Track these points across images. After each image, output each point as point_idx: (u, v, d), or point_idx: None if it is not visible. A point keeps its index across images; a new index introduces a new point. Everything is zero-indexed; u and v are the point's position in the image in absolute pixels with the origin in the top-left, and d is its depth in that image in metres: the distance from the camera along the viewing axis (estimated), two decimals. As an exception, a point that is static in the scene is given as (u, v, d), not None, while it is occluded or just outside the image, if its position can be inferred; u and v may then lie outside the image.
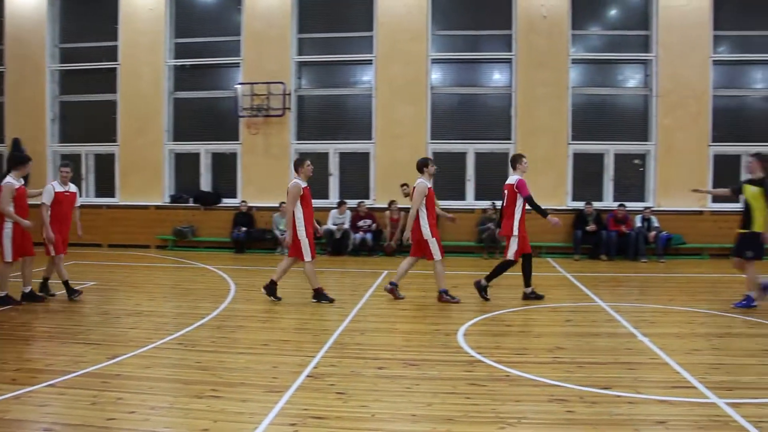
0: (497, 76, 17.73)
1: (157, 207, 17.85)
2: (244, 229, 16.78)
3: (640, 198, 16.82)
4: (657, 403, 5.31)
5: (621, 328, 8.07)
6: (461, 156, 17.17)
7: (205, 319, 8.41)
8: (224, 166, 18.06)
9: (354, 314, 8.89)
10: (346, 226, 16.36)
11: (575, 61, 17.10)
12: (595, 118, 17.18)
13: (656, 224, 15.82)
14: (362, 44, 17.51)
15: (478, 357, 6.68)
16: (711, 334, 7.86)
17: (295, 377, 5.88)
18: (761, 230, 9.01)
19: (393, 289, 10.02)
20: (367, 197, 17.20)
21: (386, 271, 13.05)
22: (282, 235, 16.29)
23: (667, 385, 5.80)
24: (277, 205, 16.30)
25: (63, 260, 9.95)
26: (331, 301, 9.60)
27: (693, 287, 10.75)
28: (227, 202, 17.73)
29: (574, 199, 16.83)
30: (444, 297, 9.74)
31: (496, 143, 17.15)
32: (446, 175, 16.50)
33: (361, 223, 16.51)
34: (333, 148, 17.51)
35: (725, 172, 16.39)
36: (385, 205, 16.53)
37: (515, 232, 9.78)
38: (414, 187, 9.76)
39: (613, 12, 17.64)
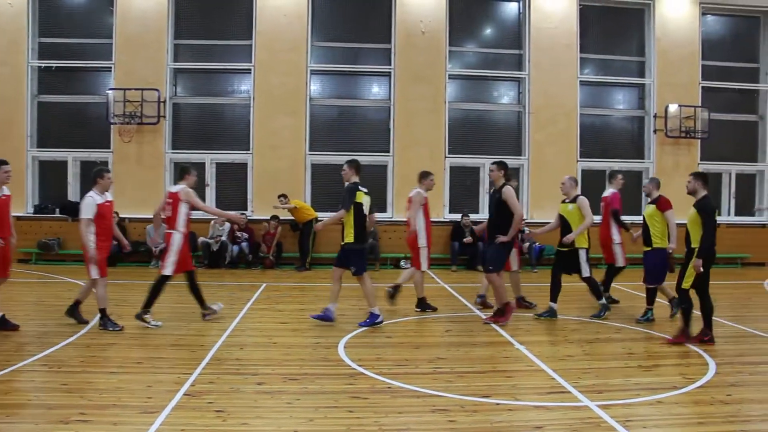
0: (376, 89, 17.94)
1: (19, 218, 16.64)
2: (115, 242, 15.97)
3: (514, 210, 17.39)
4: (534, 409, 5.48)
5: (498, 337, 8.29)
6: (339, 168, 17.06)
7: (72, 338, 7.92)
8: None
9: (232, 328, 8.67)
10: (224, 238, 15.98)
11: (452, 77, 17.60)
12: (471, 133, 17.74)
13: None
14: (241, 53, 17.24)
15: (360, 369, 6.66)
16: (582, 341, 8.23)
17: (171, 396, 5.62)
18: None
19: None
20: (245, 209, 16.86)
21: (264, 284, 12.83)
22: (156, 246, 15.71)
23: (543, 391, 6.00)
24: (151, 216, 15.64)
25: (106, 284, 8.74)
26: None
27: (564, 296, 11.13)
28: (96, 213, 16.84)
29: (452, 211, 17.24)
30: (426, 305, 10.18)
31: (374, 155, 17.30)
32: (325, 188, 16.51)
33: (238, 235, 16.17)
34: (209, 158, 17.06)
35: (592, 186, 17.28)
36: (265, 217, 16.26)
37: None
38: (411, 197, 10.34)
39: (488, 31, 18.33)
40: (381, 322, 8.90)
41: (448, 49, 17.35)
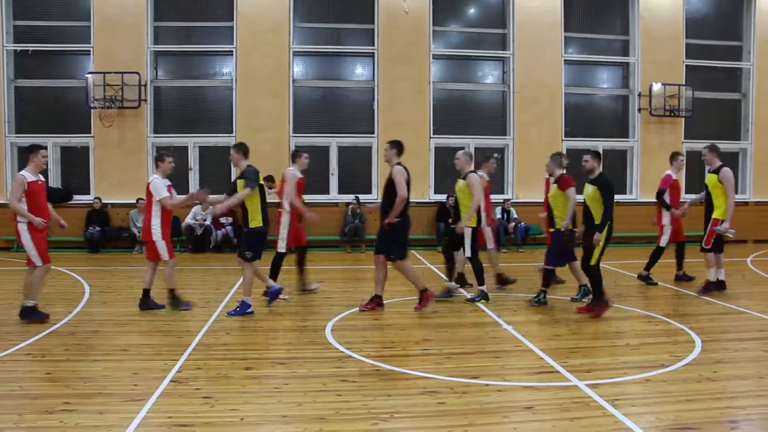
0: (360, 70, 17.80)
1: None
2: (98, 228, 15.88)
3: (500, 190, 17.43)
4: (523, 389, 5.50)
5: (486, 318, 8.30)
6: (324, 150, 17.08)
7: (56, 326, 7.81)
8: (75, 160, 16.92)
9: (218, 313, 8.61)
10: (208, 222, 15.87)
11: (436, 57, 17.49)
12: (456, 113, 17.67)
13: (515, 216, 16.48)
14: (222, 34, 17.00)
15: (348, 352, 6.64)
16: (569, 320, 8.25)
17: (158, 383, 5.58)
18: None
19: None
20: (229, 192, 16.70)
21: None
22: (139, 232, 15.58)
23: (531, 371, 6.02)
24: (134, 201, 15.54)
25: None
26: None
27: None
28: (79, 198, 16.61)
29: (436, 192, 17.21)
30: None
31: (358, 137, 17.23)
32: (309, 169, 16.31)
33: (222, 220, 16.06)
34: (192, 142, 16.90)
35: (577, 166, 17.30)
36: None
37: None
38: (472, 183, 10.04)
39: (472, 10, 18.21)
40: (251, 313, 8.49)
41: (431, 28, 17.22)
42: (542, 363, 6.26)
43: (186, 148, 16.82)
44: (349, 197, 16.61)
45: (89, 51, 16.62)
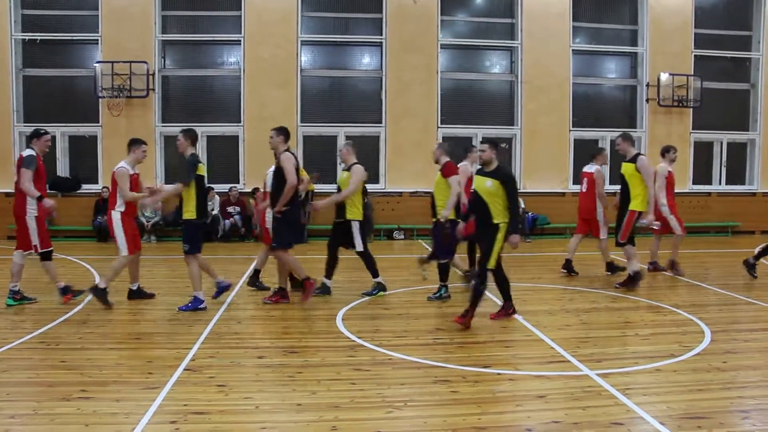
0: (367, 60, 17.80)
1: (8, 194, 16.50)
2: (106, 217, 15.91)
3: (507, 180, 17.39)
4: (535, 379, 5.54)
5: (495, 308, 8.30)
6: (332, 140, 17.08)
7: (68, 314, 7.88)
8: (83, 149, 16.99)
9: (229, 302, 8.67)
10: (215, 211, 15.92)
11: (444, 47, 17.47)
12: (464, 103, 17.66)
13: (522, 205, 16.47)
14: (230, 24, 17.01)
15: (360, 341, 6.69)
16: (579, 310, 8.30)
17: (172, 371, 5.64)
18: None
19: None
20: (237, 182, 16.79)
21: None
22: (149, 220, 15.68)
23: (542, 360, 6.06)
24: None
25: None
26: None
27: (559, 265, 11.23)
28: (88, 188, 16.72)
29: (444, 182, 17.20)
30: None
31: (366, 126, 17.24)
32: (316, 160, 16.40)
33: (230, 210, 16.14)
34: (200, 131, 16.77)
35: (584, 155, 17.31)
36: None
37: None
38: (592, 175, 10.48)
39: (480, 0, 18.15)
40: (204, 308, 8.17)
41: (439, 18, 17.19)
42: (553, 352, 6.30)
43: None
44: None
45: (97, 40, 16.64)
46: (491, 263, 7.28)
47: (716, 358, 6.12)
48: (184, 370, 5.72)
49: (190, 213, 8.28)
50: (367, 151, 17.05)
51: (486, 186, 7.39)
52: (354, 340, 6.74)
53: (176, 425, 4.52)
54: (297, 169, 8.32)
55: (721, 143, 18.47)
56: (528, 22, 17.30)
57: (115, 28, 16.51)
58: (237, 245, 15.36)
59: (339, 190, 9.27)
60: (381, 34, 17.15)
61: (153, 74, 16.51)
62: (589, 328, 7.43)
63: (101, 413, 4.73)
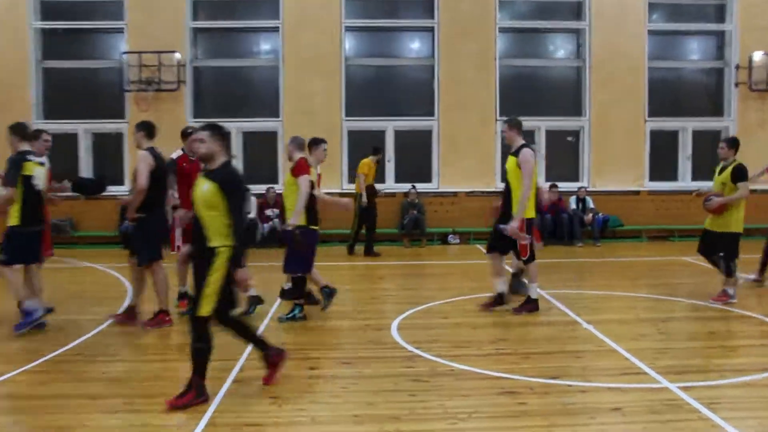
0: (418, 46, 18.08)
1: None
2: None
3: (574, 178, 17.54)
4: (609, 391, 5.77)
5: (562, 316, 8.54)
6: (380, 135, 17.37)
7: (103, 326, 8.27)
8: (108, 148, 17.57)
9: (274, 311, 9.00)
10: (252, 215, 16.27)
11: (503, 30, 17.61)
12: (525, 92, 17.80)
13: (591, 206, 16.58)
14: (267, 9, 17.37)
15: (417, 351, 6.98)
16: (656, 319, 8.48)
17: (221, 383, 5.99)
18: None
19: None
20: (275, 182, 17.11)
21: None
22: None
23: (616, 372, 6.28)
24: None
25: None
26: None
27: (633, 271, 11.40)
28: (113, 190, 17.14)
29: (503, 180, 17.29)
30: None
31: (417, 120, 17.52)
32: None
33: (268, 212, 16.45)
34: (236, 128, 17.28)
35: (662, 149, 17.33)
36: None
37: None
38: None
39: (543, -24, 18.25)
40: (43, 324, 7.96)
41: (497, -2, 17.35)
42: (627, 364, 6.50)
43: (229, 134, 17.17)
44: (406, 186, 16.85)
45: (122, 29, 17.16)
46: (201, 310, 5.56)
47: (814, 372, 6.22)
48: (233, 381, 6.09)
49: (13, 219, 7.85)
50: (419, 147, 17.32)
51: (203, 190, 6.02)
52: (411, 351, 7.03)
53: (231, 436, 4.87)
54: (163, 171, 8.25)
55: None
56: (597, 0, 17.33)
57: (142, 15, 16.94)
58: (276, 251, 15.61)
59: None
60: (433, 18, 17.36)
61: (184, 65, 16.97)
62: (667, 338, 7.62)
63: (152, 425, 5.11)
